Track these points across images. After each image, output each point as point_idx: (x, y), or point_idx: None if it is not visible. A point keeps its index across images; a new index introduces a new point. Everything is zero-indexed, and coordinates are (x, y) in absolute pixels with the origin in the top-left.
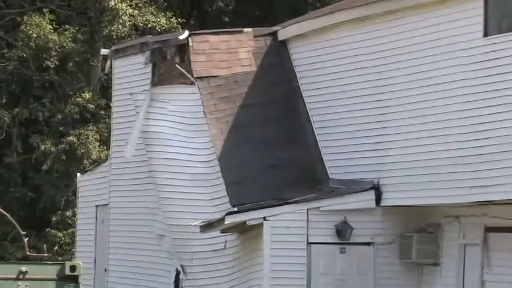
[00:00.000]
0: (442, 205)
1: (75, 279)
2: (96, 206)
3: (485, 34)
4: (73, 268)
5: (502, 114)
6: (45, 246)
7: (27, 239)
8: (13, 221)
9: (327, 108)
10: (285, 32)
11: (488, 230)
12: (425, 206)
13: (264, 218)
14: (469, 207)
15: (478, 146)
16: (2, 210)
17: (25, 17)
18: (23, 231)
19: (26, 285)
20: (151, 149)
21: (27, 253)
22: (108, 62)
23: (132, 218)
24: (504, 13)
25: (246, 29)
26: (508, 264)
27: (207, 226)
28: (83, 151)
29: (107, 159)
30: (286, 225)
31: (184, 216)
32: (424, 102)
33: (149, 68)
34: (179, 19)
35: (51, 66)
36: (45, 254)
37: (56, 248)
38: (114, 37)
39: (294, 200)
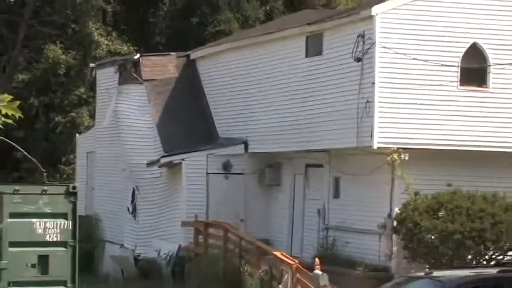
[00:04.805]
0: (282, 152)
1: (75, 194)
2: (87, 152)
3: (307, 55)
4: (74, 187)
5: (316, 100)
6: (58, 175)
7: (46, 173)
8: (37, 163)
9: (218, 99)
10: (194, 54)
11: (308, 166)
12: (273, 152)
13: (183, 159)
14: (298, 153)
15: (304, 118)
16: (33, 159)
17: (46, 46)
18: (44, 168)
19: (47, 198)
20: (119, 120)
21: (46, 181)
22: (94, 71)
23: (108, 159)
24: (315, 43)
25: (172, 53)
26: (318, 187)
27: (151, 163)
28: (79, 121)
29: (94, 126)
30: (195, 163)
31: (138, 158)
32: (274, 94)
33: (117, 75)
34: (134, 47)
35: (61, 73)
36: (57, 182)
37: (64, 176)
38: (97, 57)
39: (199, 149)
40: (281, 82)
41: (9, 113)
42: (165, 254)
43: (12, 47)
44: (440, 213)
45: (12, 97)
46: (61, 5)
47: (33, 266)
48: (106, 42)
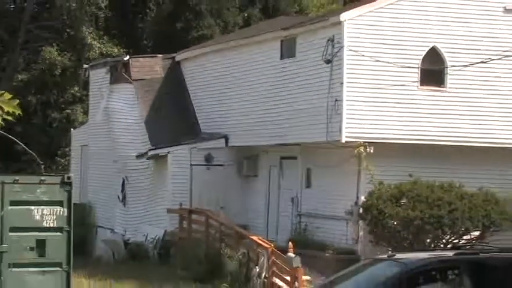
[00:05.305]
0: (259, 145)
1: (70, 184)
2: (81, 146)
3: (281, 58)
4: (69, 178)
5: (290, 99)
6: (54, 167)
7: (43, 165)
8: (35, 155)
9: (200, 97)
10: (179, 56)
11: (282, 158)
12: (251, 146)
13: (168, 152)
14: (273, 146)
15: (279, 114)
16: (32, 152)
17: (43, 47)
18: (42, 160)
19: (45, 187)
20: (110, 116)
21: (44, 172)
22: (87, 72)
23: (100, 152)
24: (289, 46)
25: (159, 55)
26: (291, 177)
27: (139, 156)
28: (73, 118)
29: (87, 121)
30: (179, 156)
31: (127, 150)
32: (252, 93)
33: (109, 75)
34: (124, 50)
35: (57, 73)
36: (53, 173)
37: (60, 167)
38: (90, 58)
39: (183, 143)
40: (258, 82)
41: (10, 110)
42: (152, 238)
43: (12, 49)
44: (402, 201)
45: (12, 95)
46: (57, 11)
47: (31, 249)
48: (98, 45)
